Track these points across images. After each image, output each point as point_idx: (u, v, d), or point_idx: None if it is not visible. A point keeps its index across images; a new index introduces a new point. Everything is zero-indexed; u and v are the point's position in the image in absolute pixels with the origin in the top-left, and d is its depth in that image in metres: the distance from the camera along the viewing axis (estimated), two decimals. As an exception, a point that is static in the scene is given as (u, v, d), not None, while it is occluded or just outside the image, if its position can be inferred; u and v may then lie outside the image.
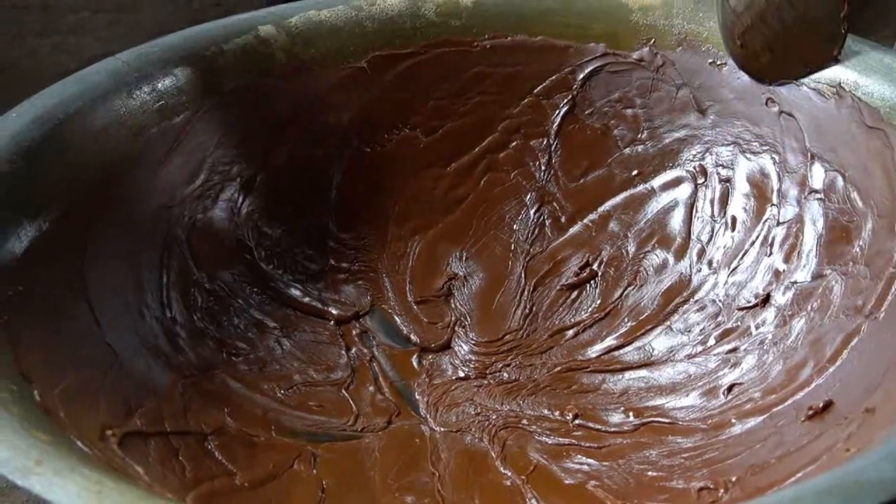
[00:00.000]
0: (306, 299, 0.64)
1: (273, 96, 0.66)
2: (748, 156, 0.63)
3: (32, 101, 0.53)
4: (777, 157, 0.62)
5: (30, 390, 0.39)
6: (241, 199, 0.64)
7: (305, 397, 0.57)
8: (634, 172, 0.68)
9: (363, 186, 0.69)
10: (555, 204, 0.69)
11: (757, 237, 0.61)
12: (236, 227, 0.64)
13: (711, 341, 0.59)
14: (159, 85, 0.61)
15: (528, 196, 0.70)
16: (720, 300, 0.61)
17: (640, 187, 0.68)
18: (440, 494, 0.50)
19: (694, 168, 0.66)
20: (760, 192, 0.62)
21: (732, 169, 0.64)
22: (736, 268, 0.61)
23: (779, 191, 0.61)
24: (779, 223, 0.60)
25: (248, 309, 0.61)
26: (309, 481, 0.49)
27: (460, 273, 0.67)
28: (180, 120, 0.62)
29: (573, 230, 0.68)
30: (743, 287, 0.60)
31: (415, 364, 0.61)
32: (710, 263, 0.63)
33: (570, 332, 0.63)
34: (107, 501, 0.31)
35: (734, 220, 0.63)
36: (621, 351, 0.61)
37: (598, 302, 0.64)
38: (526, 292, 0.66)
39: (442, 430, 0.56)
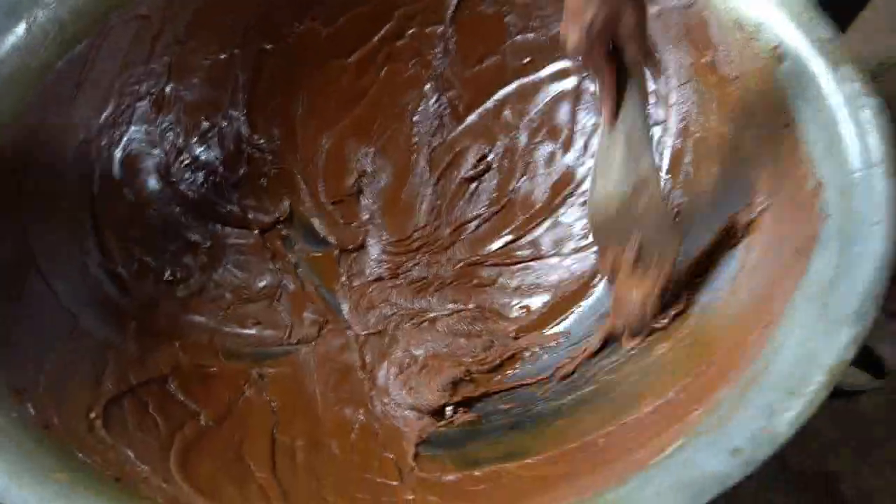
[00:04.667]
0: (228, 208, 0.69)
1: (173, 4, 0.66)
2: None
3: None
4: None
5: (24, 406, 0.46)
6: (154, 117, 0.67)
7: (243, 316, 0.64)
8: (526, 60, 0.73)
9: (270, 85, 0.71)
10: (453, 92, 0.74)
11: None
12: (153, 146, 0.67)
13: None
14: (58, 11, 0.61)
15: (428, 86, 0.74)
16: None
17: (532, 76, 0.73)
18: (370, 403, 0.60)
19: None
20: (640, 88, 0.68)
21: (615, 64, 0.69)
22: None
23: (655, 92, 0.67)
24: (655, 123, 0.67)
25: (178, 230, 0.66)
26: (261, 407, 0.58)
27: (369, 170, 0.73)
28: (83, 46, 0.62)
29: (470, 119, 0.73)
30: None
31: (338, 268, 0.69)
32: (593, 156, 0.70)
33: (471, 226, 0.71)
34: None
35: (616, 114, 0.69)
36: (515, 244, 0.69)
37: (495, 194, 0.72)
38: (430, 186, 0.72)
39: (364, 333, 0.65)
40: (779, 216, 0.55)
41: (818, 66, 0.56)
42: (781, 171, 0.56)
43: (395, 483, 0.53)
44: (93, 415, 0.50)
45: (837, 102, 0.54)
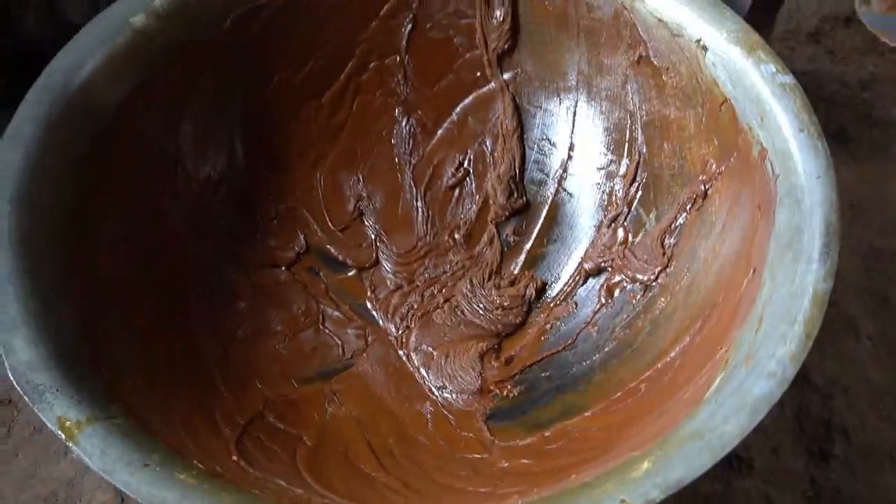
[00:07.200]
0: (255, 252, 0.77)
1: (167, 84, 0.72)
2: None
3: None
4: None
5: (192, 462, 0.54)
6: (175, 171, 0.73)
7: (299, 345, 0.73)
8: (478, 74, 0.83)
9: (260, 135, 0.79)
10: (419, 112, 0.84)
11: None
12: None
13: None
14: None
15: (396, 110, 0.83)
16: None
17: (485, 87, 0.83)
18: (432, 394, 0.71)
19: (525, 68, 0.82)
20: (581, 84, 0.80)
21: (556, 68, 0.81)
22: (573, 145, 0.81)
23: (604, 90, 0.79)
24: (603, 114, 0.80)
25: (227, 282, 0.73)
26: (347, 419, 0.68)
27: (363, 194, 0.82)
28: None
29: (440, 133, 0.84)
30: (584, 161, 0.81)
31: (362, 284, 0.78)
32: (550, 143, 0.82)
33: (464, 228, 0.82)
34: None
35: (564, 110, 0.81)
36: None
37: (478, 196, 0.83)
38: (419, 199, 0.82)
39: (398, 333, 0.76)
40: (735, 178, 0.68)
41: (736, 53, 0.69)
42: (727, 142, 0.69)
43: (485, 455, 0.64)
44: (234, 458, 0.58)
45: (760, 81, 0.67)
